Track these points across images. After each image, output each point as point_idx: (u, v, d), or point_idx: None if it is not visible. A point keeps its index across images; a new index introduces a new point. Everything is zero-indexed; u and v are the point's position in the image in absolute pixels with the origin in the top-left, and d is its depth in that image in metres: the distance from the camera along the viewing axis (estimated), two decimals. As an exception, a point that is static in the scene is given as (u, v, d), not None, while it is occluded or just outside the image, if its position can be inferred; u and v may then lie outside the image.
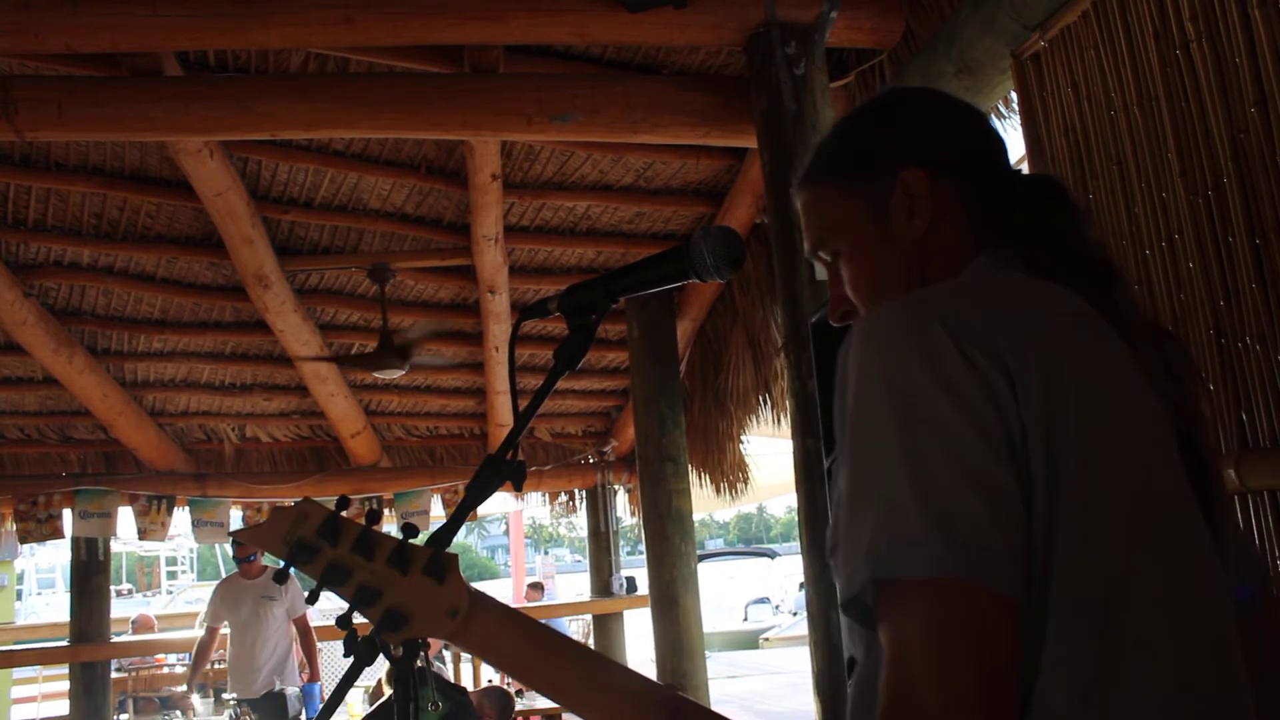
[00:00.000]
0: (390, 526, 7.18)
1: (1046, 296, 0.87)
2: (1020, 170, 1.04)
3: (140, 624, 8.45)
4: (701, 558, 7.96)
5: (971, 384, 0.76)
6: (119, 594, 18.61)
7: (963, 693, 0.70)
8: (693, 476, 6.07)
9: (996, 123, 1.00)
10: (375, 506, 0.93)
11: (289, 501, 5.54)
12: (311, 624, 6.12)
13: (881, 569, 0.74)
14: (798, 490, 3.17)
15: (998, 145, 1.04)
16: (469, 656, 9.37)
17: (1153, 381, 0.88)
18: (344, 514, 0.97)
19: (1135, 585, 0.77)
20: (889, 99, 1.11)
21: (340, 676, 0.98)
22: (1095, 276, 0.94)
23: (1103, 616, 0.75)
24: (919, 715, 0.70)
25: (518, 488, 1.02)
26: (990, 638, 0.72)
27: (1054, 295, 0.87)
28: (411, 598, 0.91)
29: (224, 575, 7.06)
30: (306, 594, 0.94)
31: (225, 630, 5.92)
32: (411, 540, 0.95)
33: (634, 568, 7.46)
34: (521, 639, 0.95)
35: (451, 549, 0.99)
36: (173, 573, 22.93)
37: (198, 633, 6.36)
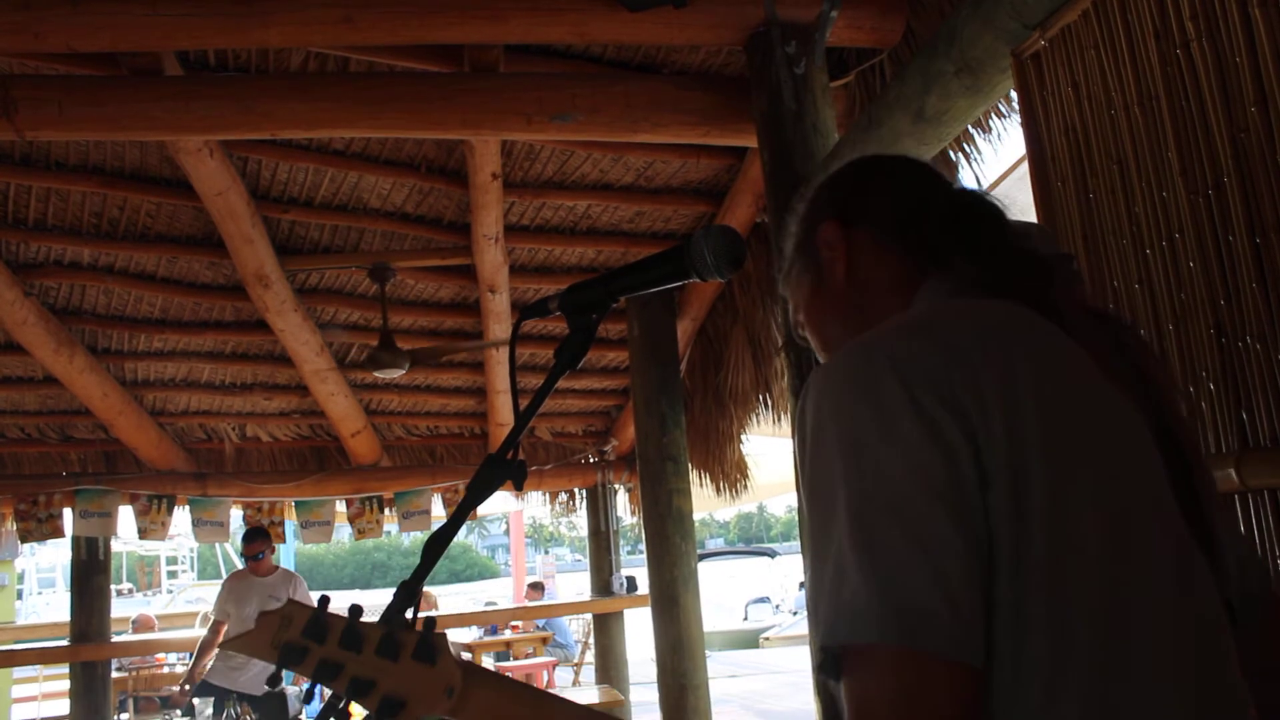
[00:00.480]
0: (391, 527, 7.19)
1: (998, 319, 0.87)
2: (941, 191, 1.09)
3: (140, 624, 8.46)
4: (702, 557, 7.97)
5: (921, 436, 0.76)
6: (119, 593, 18.63)
7: None
8: (693, 476, 6.07)
9: (934, 167, 1.06)
10: (359, 606, 0.97)
11: (289, 501, 5.51)
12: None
13: (831, 635, 0.74)
14: (798, 489, 3.17)
15: (928, 186, 1.09)
16: (469, 656, 9.38)
17: (1116, 381, 0.88)
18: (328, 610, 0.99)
19: (1117, 622, 0.76)
20: (823, 178, 1.17)
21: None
22: (1038, 275, 0.96)
23: (1087, 657, 0.75)
24: None
25: (518, 487, 1.02)
26: (933, 705, 0.72)
27: (1005, 316, 0.88)
28: (405, 683, 0.93)
29: (229, 571, 7.02)
30: (305, 687, 0.96)
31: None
32: (398, 626, 0.97)
33: (634, 567, 7.46)
34: (520, 706, 0.97)
35: (452, 548, 0.99)
36: (173, 572, 22.96)
37: (199, 632, 6.37)
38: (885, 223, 1.05)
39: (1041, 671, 0.74)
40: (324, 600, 0.98)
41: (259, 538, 5.93)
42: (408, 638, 0.94)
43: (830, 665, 0.77)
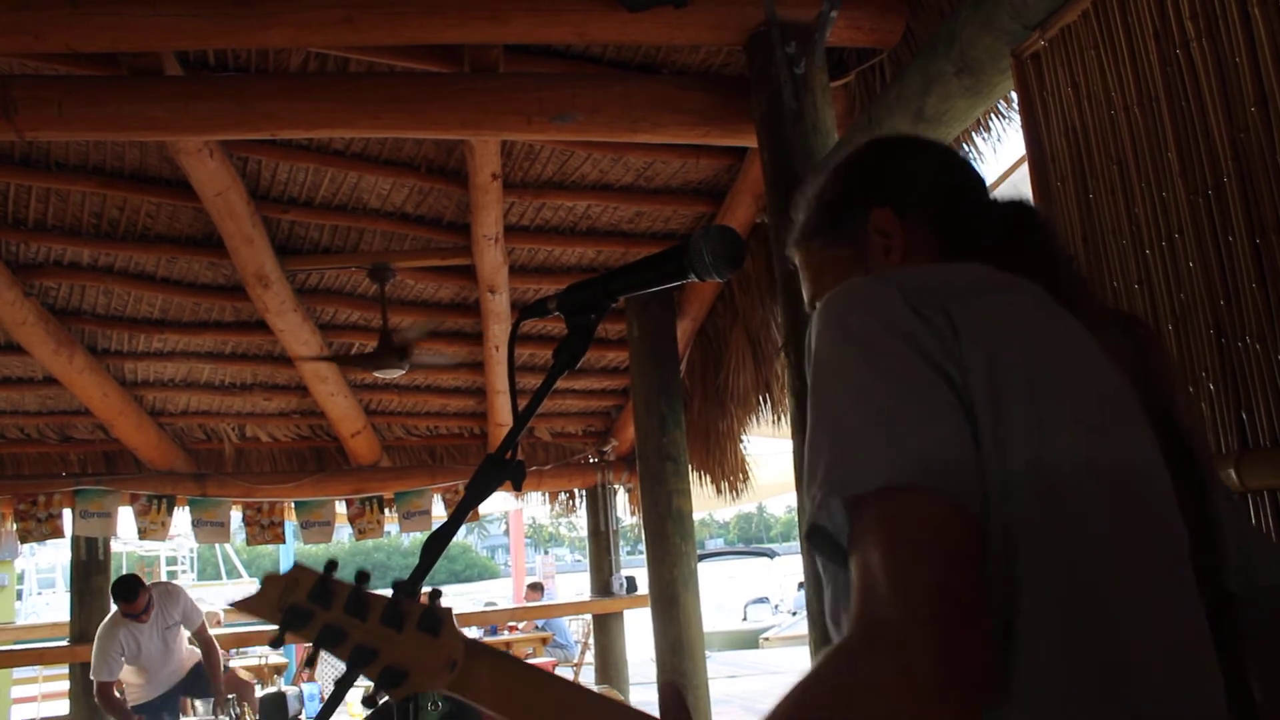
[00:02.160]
0: (391, 527, 7.19)
1: (1003, 281, 0.90)
2: (994, 200, 1.10)
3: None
4: (701, 557, 7.97)
5: (923, 330, 0.80)
6: (119, 594, 18.59)
7: (923, 598, 0.70)
8: (693, 476, 6.07)
9: (967, 157, 1.09)
10: (365, 570, 0.96)
11: (289, 502, 5.47)
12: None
13: (837, 488, 0.75)
14: (798, 490, 3.17)
15: (965, 177, 1.10)
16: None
17: (1124, 370, 0.89)
18: (334, 576, 0.98)
19: (1100, 582, 0.77)
20: (862, 150, 1.16)
21: (340, 676, 0.98)
22: (1060, 279, 0.98)
23: (1071, 612, 0.76)
24: (882, 622, 0.71)
25: (517, 487, 1.02)
26: (949, 543, 0.72)
27: (1014, 280, 0.90)
28: (408, 654, 0.92)
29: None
30: (306, 658, 0.95)
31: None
32: (408, 594, 0.96)
33: (634, 567, 7.46)
34: (521, 683, 0.96)
35: (452, 548, 0.99)
36: (173, 572, 22.93)
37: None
38: (936, 215, 1.06)
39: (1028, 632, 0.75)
40: (330, 564, 0.98)
41: (139, 592, 5.39)
42: (413, 608, 0.94)
43: (819, 537, 0.79)
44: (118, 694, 5.58)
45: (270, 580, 0.98)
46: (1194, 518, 0.87)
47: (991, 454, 0.77)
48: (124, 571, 6.46)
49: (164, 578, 22.33)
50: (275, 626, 0.97)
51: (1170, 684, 0.77)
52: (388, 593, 0.97)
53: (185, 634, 5.79)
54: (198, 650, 5.79)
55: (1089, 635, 0.75)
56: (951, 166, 1.11)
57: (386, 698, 0.96)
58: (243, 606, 0.99)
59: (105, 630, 5.51)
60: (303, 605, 0.95)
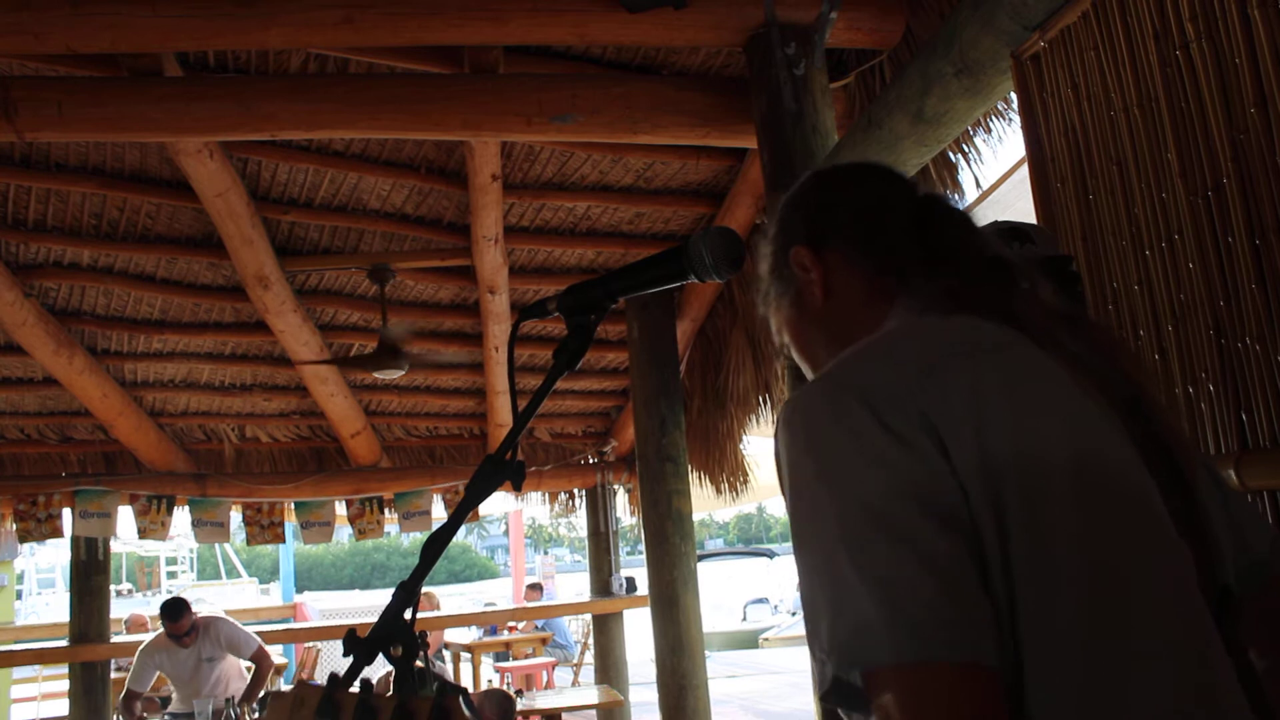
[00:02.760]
0: (391, 527, 7.19)
1: (961, 336, 0.88)
2: (905, 201, 1.10)
3: (133, 623, 8.43)
4: (701, 558, 7.97)
5: (897, 454, 0.78)
6: (119, 594, 18.63)
7: None
8: (692, 476, 6.07)
9: (886, 170, 1.08)
10: (364, 681, 0.97)
11: (289, 502, 5.46)
12: (309, 619, 6.03)
13: (845, 663, 0.74)
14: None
15: (880, 193, 1.10)
16: (469, 656, 9.38)
17: (1086, 380, 0.88)
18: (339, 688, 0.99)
19: (1105, 620, 0.77)
20: (787, 196, 1.17)
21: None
22: (999, 282, 0.98)
23: (1080, 657, 0.75)
24: None
25: (517, 488, 1.02)
26: (960, 710, 0.72)
27: (969, 333, 0.89)
28: None
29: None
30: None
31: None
32: (412, 692, 0.97)
33: (634, 568, 7.46)
34: None
35: (451, 548, 0.98)
36: (173, 572, 22.95)
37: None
38: (852, 241, 1.06)
39: (1044, 675, 0.75)
40: (333, 678, 0.98)
41: (184, 614, 5.54)
42: (420, 706, 0.93)
43: (840, 694, 0.77)
44: (139, 706, 5.65)
45: (276, 701, 0.99)
46: (1183, 519, 0.87)
47: (992, 537, 0.77)
48: (123, 571, 6.48)
49: (164, 578, 22.38)
50: None
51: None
52: (388, 595, 0.97)
53: (235, 664, 5.83)
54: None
55: (1102, 682, 0.75)
56: (872, 188, 1.11)
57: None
58: None
59: (146, 646, 5.68)
60: None
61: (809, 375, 1.11)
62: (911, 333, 0.94)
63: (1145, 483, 0.85)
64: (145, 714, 5.59)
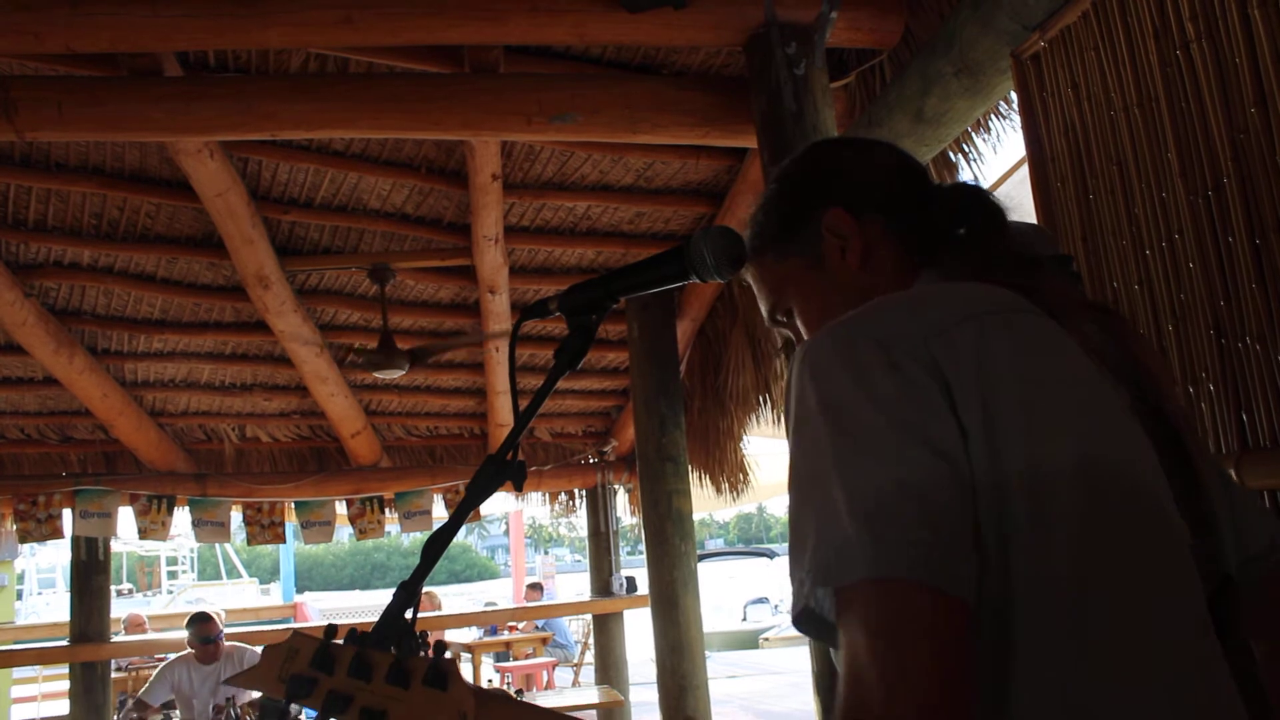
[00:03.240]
0: (392, 527, 7.19)
1: (978, 294, 0.89)
2: (939, 186, 1.10)
3: (131, 624, 8.43)
4: (701, 558, 7.97)
5: (900, 392, 0.78)
6: (119, 594, 18.62)
7: (908, 690, 0.70)
8: (693, 476, 6.07)
9: (905, 151, 1.08)
10: (358, 630, 0.96)
11: (289, 502, 5.47)
12: (309, 619, 6.05)
13: (821, 577, 0.74)
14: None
15: (910, 170, 1.10)
16: (469, 657, 9.38)
17: (1103, 363, 0.89)
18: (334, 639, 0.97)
19: (1098, 584, 0.77)
20: (801, 157, 1.15)
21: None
22: (1020, 268, 0.98)
23: (1070, 617, 0.75)
24: (867, 714, 0.70)
25: (518, 488, 1.02)
26: (933, 633, 0.72)
27: (986, 292, 0.89)
28: (417, 711, 0.91)
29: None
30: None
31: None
32: (408, 651, 0.95)
33: (634, 568, 7.46)
34: None
35: (452, 548, 0.98)
36: (173, 572, 22.96)
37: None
38: (889, 211, 1.05)
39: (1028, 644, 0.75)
40: (330, 629, 0.96)
41: (209, 621, 5.66)
42: (417, 664, 0.92)
43: (807, 620, 0.78)
44: (148, 713, 5.66)
45: (270, 651, 0.96)
46: (1189, 505, 0.87)
47: (990, 490, 0.77)
48: (124, 571, 6.50)
49: (164, 578, 22.38)
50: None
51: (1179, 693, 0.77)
52: (389, 595, 0.97)
53: (250, 696, 5.84)
54: None
55: (1092, 654, 0.75)
56: (896, 161, 1.10)
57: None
58: (243, 680, 0.97)
59: (169, 662, 5.74)
60: (305, 673, 0.93)
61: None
62: (927, 291, 0.94)
63: (1151, 465, 0.85)
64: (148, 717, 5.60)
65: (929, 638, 0.71)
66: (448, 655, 0.93)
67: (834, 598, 0.75)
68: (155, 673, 5.73)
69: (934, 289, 0.94)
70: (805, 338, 1.09)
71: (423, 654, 0.93)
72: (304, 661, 0.94)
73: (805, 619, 0.78)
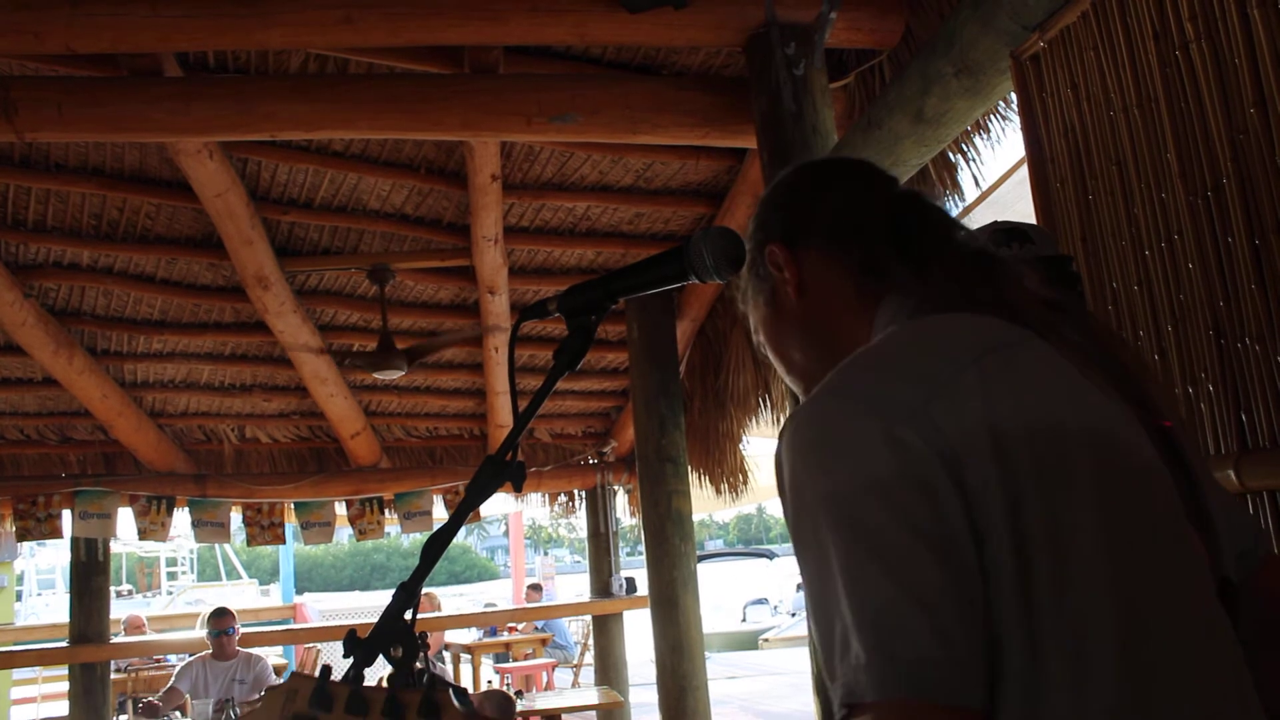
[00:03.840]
0: (392, 528, 7.19)
1: (967, 338, 0.86)
2: (884, 198, 1.08)
3: (131, 625, 8.43)
4: (701, 558, 7.97)
5: (903, 481, 0.76)
6: (119, 595, 18.62)
7: None
8: (692, 477, 6.07)
9: (863, 165, 1.07)
10: (356, 672, 1.03)
11: (289, 502, 5.50)
12: (309, 620, 6.09)
13: (842, 695, 0.74)
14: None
15: (856, 189, 1.08)
16: (469, 657, 9.37)
17: (1103, 381, 0.87)
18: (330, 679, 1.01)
19: (1132, 639, 0.76)
20: (764, 194, 1.16)
21: (339, 677, 0.99)
22: (988, 275, 0.96)
23: (1104, 683, 0.74)
24: None
25: (517, 488, 1.02)
26: None
27: (974, 333, 0.87)
28: None
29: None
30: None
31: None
32: (402, 684, 0.98)
33: (634, 568, 7.46)
34: None
35: (451, 549, 0.99)
36: (173, 573, 22.94)
37: (200, 633, 6.35)
38: (829, 239, 1.05)
39: (1059, 695, 0.74)
40: (325, 670, 1.00)
41: (227, 614, 5.90)
42: (410, 698, 0.94)
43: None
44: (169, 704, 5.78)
45: (271, 694, 1.00)
46: (1190, 512, 0.87)
47: (1011, 554, 0.76)
48: (123, 572, 6.54)
49: (164, 579, 22.37)
50: None
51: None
52: (388, 595, 0.98)
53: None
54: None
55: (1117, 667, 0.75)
56: (840, 181, 1.10)
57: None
58: None
59: (188, 661, 5.92)
60: (305, 713, 0.97)
61: (783, 375, 1.12)
62: (912, 338, 0.90)
63: (1162, 471, 0.85)
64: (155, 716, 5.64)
65: None
66: (440, 682, 0.95)
67: (851, 714, 0.74)
68: (175, 672, 5.89)
69: (918, 334, 0.91)
70: (779, 371, 1.11)
71: (426, 674, 0.97)
72: (303, 701, 0.98)
73: None
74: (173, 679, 5.83)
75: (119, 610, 8.39)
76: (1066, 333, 0.92)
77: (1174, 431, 0.93)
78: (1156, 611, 0.77)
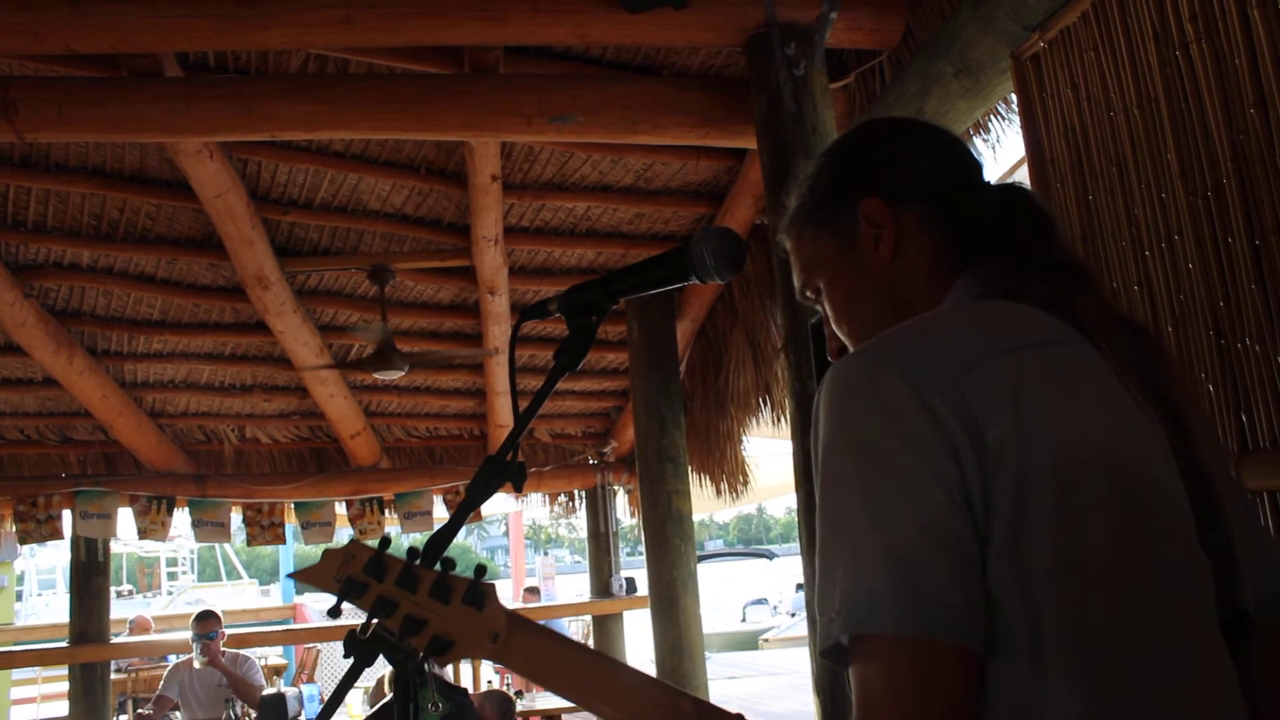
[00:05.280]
0: (392, 528, 7.18)
1: (1014, 326, 0.87)
2: (989, 184, 1.07)
3: (137, 626, 8.43)
4: (701, 558, 7.97)
5: (932, 436, 0.79)
6: (119, 595, 18.61)
7: None
8: (692, 477, 6.07)
9: (966, 142, 1.05)
10: (416, 547, 1.08)
11: (289, 503, 5.50)
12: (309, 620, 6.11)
13: (850, 624, 0.76)
14: (797, 491, 3.17)
15: (962, 165, 1.06)
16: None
17: (1136, 390, 0.87)
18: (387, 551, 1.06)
19: (1121, 634, 0.77)
20: (853, 135, 1.13)
21: (340, 677, 0.99)
22: (1067, 282, 0.95)
23: (1092, 664, 0.76)
24: None
25: (518, 489, 1.03)
26: (949, 691, 0.75)
27: (1022, 323, 0.88)
28: (454, 625, 1.00)
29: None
30: (359, 626, 1.03)
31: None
32: (450, 571, 1.03)
33: (634, 568, 7.46)
34: (557, 655, 1.03)
35: (451, 550, 1.04)
36: (173, 573, 22.92)
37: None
38: (929, 205, 1.02)
39: (1048, 670, 0.76)
40: (385, 540, 1.05)
41: (211, 617, 5.91)
42: (458, 583, 1.00)
43: (834, 655, 0.80)
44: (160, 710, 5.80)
45: (329, 555, 1.05)
46: (1210, 540, 0.86)
47: (1015, 529, 0.78)
48: (124, 572, 6.57)
49: (164, 579, 22.36)
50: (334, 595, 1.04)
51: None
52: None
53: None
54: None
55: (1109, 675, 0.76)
56: (947, 152, 1.06)
57: (388, 697, 0.98)
58: (303, 576, 1.06)
59: (174, 666, 6.02)
60: (358, 578, 1.02)
61: (835, 325, 1.08)
62: (961, 317, 0.92)
63: (1178, 492, 0.85)
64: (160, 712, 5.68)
65: (944, 692, 0.75)
66: (486, 581, 1.01)
67: (853, 640, 0.77)
68: (165, 674, 5.91)
69: (969, 313, 0.92)
70: (832, 318, 1.08)
71: (427, 692, 1.07)
72: (358, 566, 1.03)
73: (834, 653, 0.80)
74: (160, 685, 5.85)
75: (119, 610, 8.40)
76: (1122, 348, 0.91)
77: (1205, 462, 0.92)
78: (1146, 622, 0.78)
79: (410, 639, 0.99)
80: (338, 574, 1.03)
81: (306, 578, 1.06)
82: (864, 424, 0.81)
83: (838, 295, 1.07)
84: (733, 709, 0.99)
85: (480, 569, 1.02)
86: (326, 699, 1.00)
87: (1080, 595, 0.77)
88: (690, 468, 5.89)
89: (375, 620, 1.00)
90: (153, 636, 8.08)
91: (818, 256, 1.08)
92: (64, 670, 7.42)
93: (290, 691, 5.78)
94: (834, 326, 1.08)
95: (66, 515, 6.45)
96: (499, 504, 11.22)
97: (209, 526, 6.79)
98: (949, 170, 1.05)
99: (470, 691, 4.77)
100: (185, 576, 23.29)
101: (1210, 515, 0.89)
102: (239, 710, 5.51)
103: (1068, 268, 0.98)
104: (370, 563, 1.02)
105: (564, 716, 6.11)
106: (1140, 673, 0.77)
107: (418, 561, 1.02)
